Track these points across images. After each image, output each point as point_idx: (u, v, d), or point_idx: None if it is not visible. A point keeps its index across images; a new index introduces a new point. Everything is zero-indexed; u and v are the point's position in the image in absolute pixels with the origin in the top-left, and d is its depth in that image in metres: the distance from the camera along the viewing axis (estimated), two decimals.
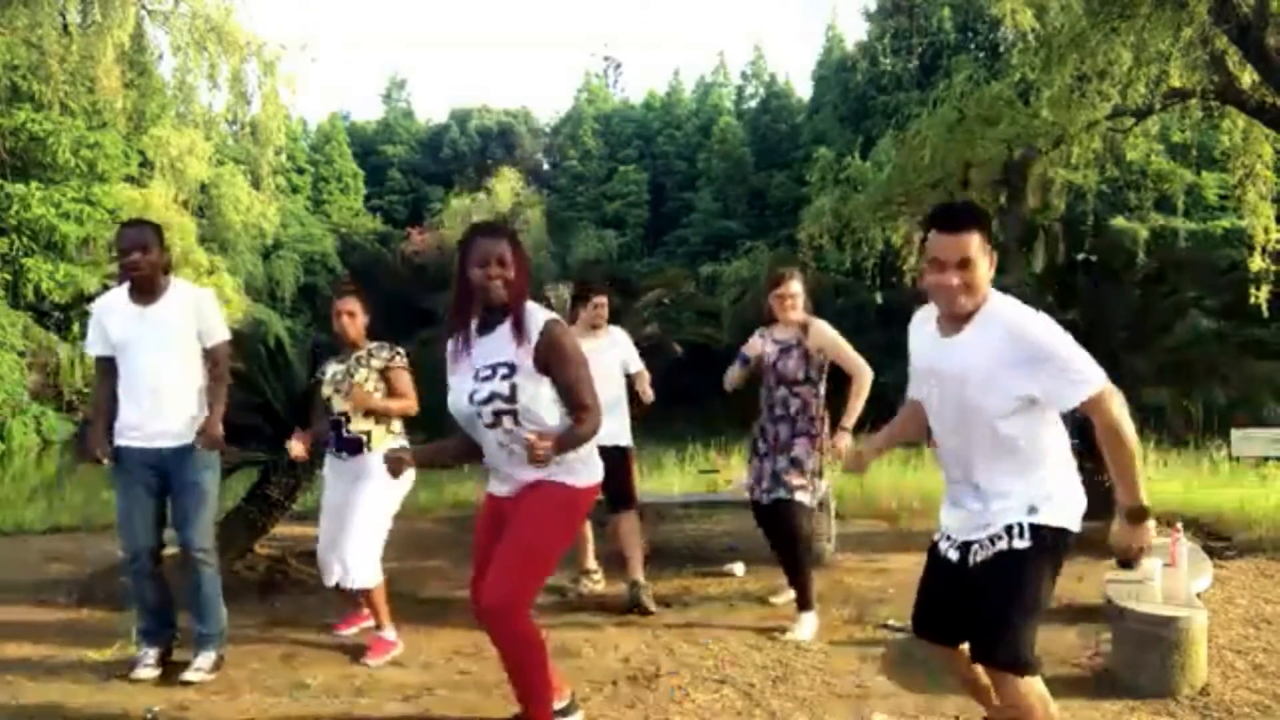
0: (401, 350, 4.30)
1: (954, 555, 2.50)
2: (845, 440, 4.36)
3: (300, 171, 42.81)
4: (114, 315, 3.80)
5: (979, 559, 2.44)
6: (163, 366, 3.73)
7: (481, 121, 50.34)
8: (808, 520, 4.49)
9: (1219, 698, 3.43)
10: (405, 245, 40.49)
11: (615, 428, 4.93)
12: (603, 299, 5.08)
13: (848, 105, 35.38)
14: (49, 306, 24.84)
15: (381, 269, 37.76)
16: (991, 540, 2.42)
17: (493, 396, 2.85)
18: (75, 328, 24.47)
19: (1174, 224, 21.55)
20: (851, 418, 4.40)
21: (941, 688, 3.58)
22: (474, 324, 2.95)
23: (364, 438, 4.17)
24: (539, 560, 2.90)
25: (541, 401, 2.89)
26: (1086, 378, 2.32)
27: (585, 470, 2.99)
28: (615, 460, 4.94)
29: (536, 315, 2.91)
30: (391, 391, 4.21)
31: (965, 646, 2.54)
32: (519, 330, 2.87)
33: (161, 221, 26.64)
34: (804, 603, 4.38)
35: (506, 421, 2.86)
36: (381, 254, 40.42)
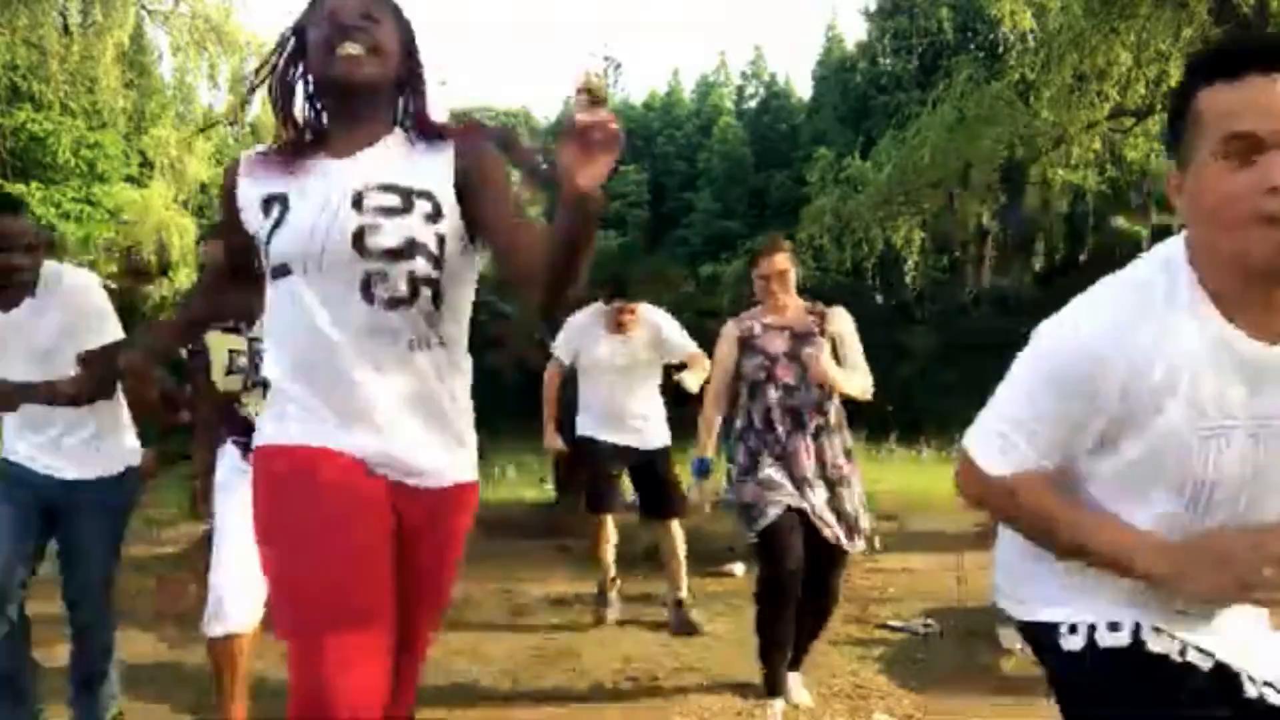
0: None
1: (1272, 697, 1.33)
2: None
3: None
4: None
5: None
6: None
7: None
8: None
9: None
10: None
11: (653, 425, 4.56)
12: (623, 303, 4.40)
13: (848, 105, 35.39)
14: None
15: None
16: None
17: (411, 247, 1.52)
18: None
19: (1174, 224, 21.56)
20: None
21: (940, 687, 3.58)
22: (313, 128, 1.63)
23: None
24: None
25: (463, 286, 1.64)
26: None
27: None
28: (653, 462, 4.53)
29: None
30: None
31: None
32: (428, 137, 1.62)
33: (161, 222, 26.46)
34: (797, 663, 3.50)
35: (423, 302, 1.55)
36: None
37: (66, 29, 9.85)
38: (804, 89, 43.15)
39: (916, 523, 6.97)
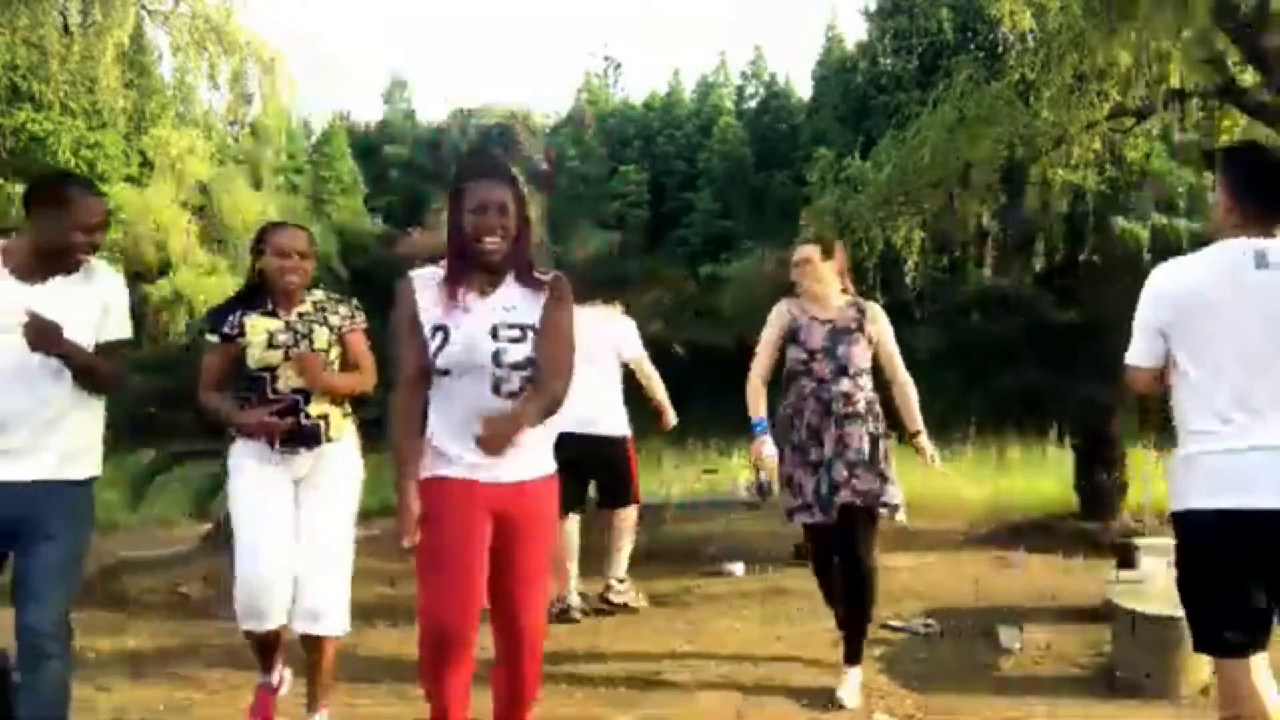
0: (358, 305, 3.28)
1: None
2: (930, 446, 3.80)
3: (300, 171, 42.85)
4: None
5: None
6: (35, 368, 2.53)
7: (482, 122, 50.38)
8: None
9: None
10: (402, 245, 40.47)
11: (608, 413, 4.70)
12: None
13: (848, 105, 35.35)
14: None
15: (382, 269, 37.75)
16: None
17: (528, 363, 2.39)
18: None
19: (1175, 224, 21.53)
20: (918, 422, 3.83)
21: (941, 687, 3.59)
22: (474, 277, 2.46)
23: (322, 424, 3.08)
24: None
25: None
26: None
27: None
28: (610, 450, 4.70)
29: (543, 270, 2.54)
30: (348, 361, 3.18)
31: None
32: (533, 285, 2.46)
33: (161, 222, 26.39)
34: (858, 656, 3.63)
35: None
36: (382, 255, 40.43)
37: (66, 29, 9.84)
38: (804, 89, 43.01)
39: (917, 523, 6.96)
